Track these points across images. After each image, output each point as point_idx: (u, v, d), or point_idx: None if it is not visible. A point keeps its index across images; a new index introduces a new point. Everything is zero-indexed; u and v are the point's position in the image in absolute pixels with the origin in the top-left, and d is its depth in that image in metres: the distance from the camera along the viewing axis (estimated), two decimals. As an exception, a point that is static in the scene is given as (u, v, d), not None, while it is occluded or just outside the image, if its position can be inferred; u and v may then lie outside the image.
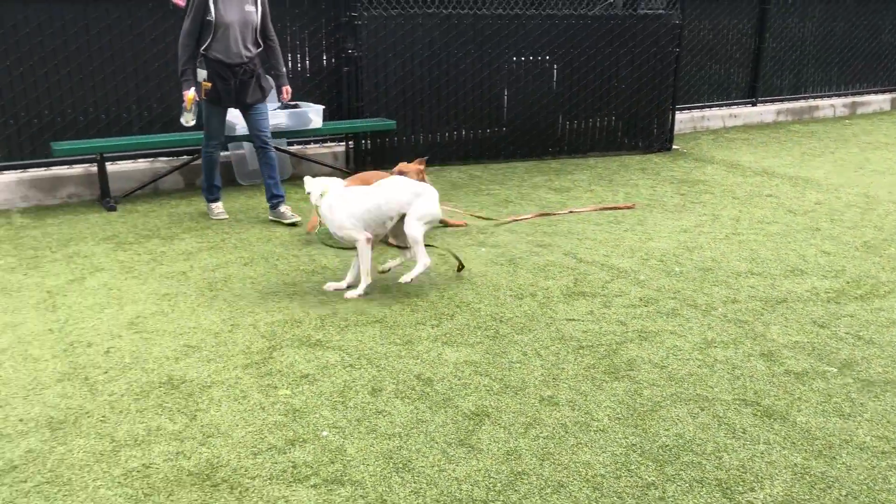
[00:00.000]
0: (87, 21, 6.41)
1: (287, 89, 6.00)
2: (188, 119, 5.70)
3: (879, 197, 6.61)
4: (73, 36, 6.38)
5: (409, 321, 4.08)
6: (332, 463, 2.85)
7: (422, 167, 5.53)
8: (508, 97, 7.92)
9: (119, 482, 2.74)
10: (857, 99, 11.32)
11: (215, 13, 5.38)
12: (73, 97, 6.46)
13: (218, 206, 5.98)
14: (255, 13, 5.58)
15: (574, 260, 5.04)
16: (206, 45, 5.46)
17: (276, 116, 6.57)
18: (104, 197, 6.29)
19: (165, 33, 6.63)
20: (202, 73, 5.55)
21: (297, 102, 6.90)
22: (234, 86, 5.59)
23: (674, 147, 8.62)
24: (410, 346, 3.80)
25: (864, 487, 2.72)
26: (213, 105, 5.65)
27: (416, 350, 3.75)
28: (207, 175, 5.94)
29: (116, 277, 4.71)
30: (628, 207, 6.01)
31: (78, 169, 6.57)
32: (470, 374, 3.52)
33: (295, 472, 2.80)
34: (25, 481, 2.75)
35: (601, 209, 6.15)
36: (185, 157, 6.87)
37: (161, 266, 4.91)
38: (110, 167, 6.46)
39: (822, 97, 11.09)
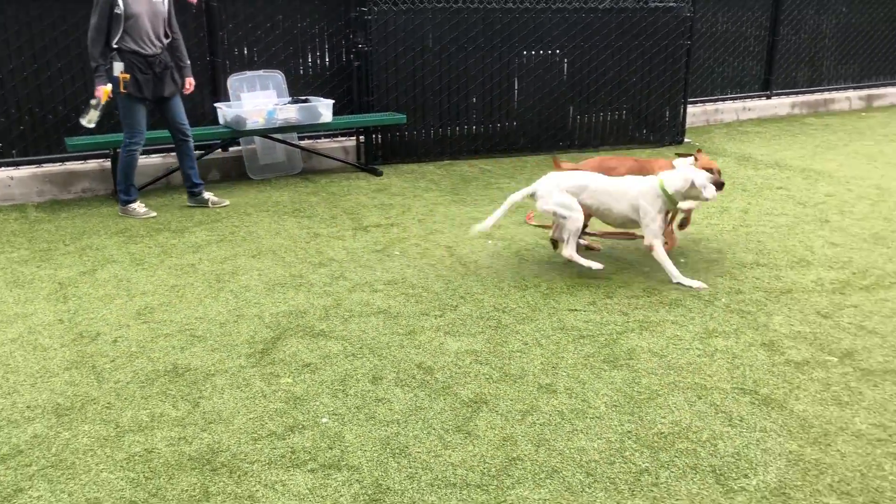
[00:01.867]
0: (101, 18, 6.50)
1: (190, 81, 5.99)
2: (92, 119, 5.62)
3: (891, 189, 6.56)
4: (86, 33, 6.48)
5: (413, 312, 4.12)
6: (331, 449, 2.90)
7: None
8: (519, 91, 7.93)
9: (122, 466, 2.80)
10: (874, 91, 11.21)
11: (123, 5, 5.43)
12: (86, 93, 6.56)
13: (141, 206, 5.94)
14: (162, 4, 5.65)
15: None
16: (117, 38, 5.48)
17: (286, 111, 6.64)
18: (117, 191, 6.38)
19: (177, 30, 6.71)
20: (118, 66, 5.54)
21: (307, 97, 6.96)
22: (153, 77, 5.64)
23: (686, 140, 8.59)
24: (413, 335, 3.84)
25: (858, 474, 2.73)
26: (133, 99, 5.65)
27: (418, 340, 3.79)
28: (127, 174, 5.84)
29: (127, 269, 4.79)
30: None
31: (92, 164, 6.67)
32: (470, 363, 3.55)
33: (293, 457, 2.85)
34: (30, 465, 2.82)
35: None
36: (197, 151, 6.95)
37: (170, 258, 4.98)
38: (123, 162, 6.54)
39: (838, 90, 10.99)
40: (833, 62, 10.89)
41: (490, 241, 5.27)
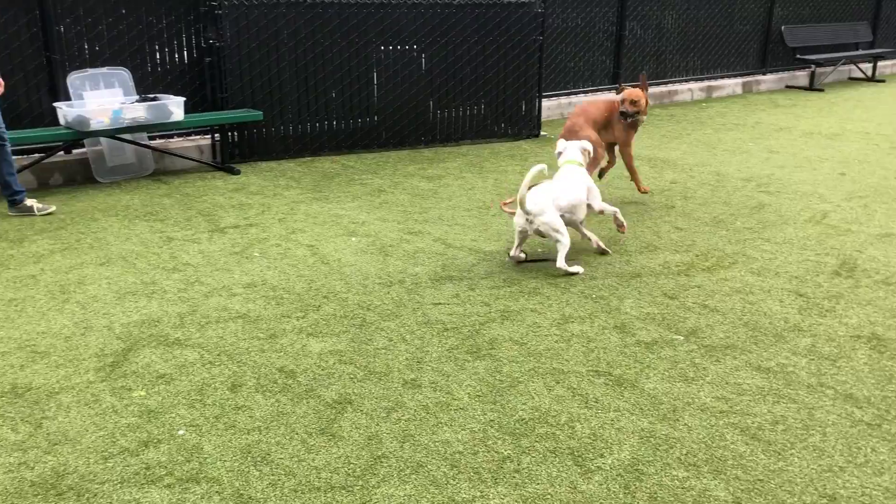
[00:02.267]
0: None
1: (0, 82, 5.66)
2: None
3: (729, 174, 7.02)
4: None
5: (274, 314, 4.03)
6: (188, 462, 2.78)
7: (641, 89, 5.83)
8: (378, 87, 7.91)
9: (-47, 499, 2.58)
10: (713, 83, 11.96)
11: None
12: None
13: (33, 200, 5.75)
14: None
15: (443, 245, 5.11)
16: None
17: (134, 110, 6.32)
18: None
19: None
20: None
21: (157, 95, 6.66)
22: None
23: (542, 133, 8.85)
24: (274, 339, 3.75)
25: (703, 446, 2.90)
26: None
27: (279, 343, 3.71)
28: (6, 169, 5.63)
29: (-43, 285, 4.42)
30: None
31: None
32: (334, 364, 3.51)
33: (148, 473, 2.72)
34: None
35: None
36: (36, 154, 6.50)
37: (8, 270, 4.63)
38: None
39: (681, 82, 11.64)
40: (676, 56, 11.53)
41: (354, 238, 5.23)
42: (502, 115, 8.55)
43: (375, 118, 7.98)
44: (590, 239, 4.95)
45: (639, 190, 6.09)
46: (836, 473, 2.74)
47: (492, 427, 3.01)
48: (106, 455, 2.82)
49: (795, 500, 2.60)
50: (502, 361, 3.53)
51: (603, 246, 4.94)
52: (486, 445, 2.89)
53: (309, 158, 7.63)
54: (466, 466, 2.77)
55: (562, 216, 4.60)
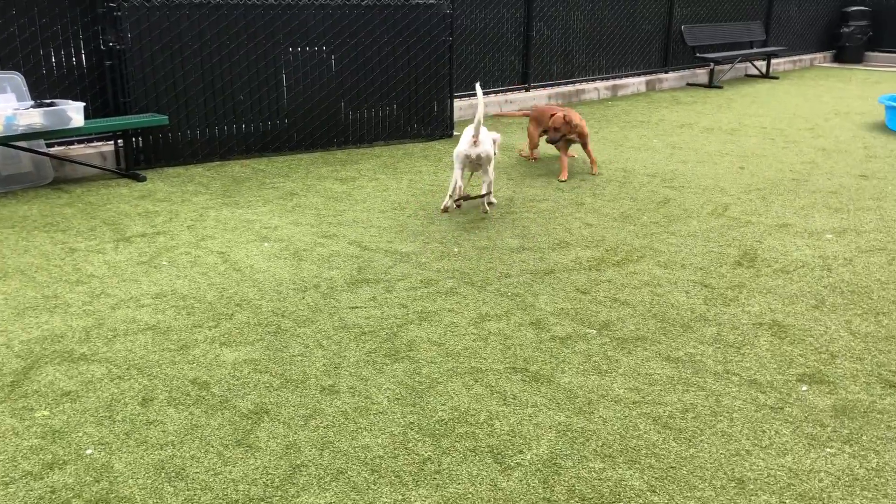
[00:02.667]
0: None
1: None
2: None
3: (635, 171, 7.22)
4: None
5: (185, 325, 3.92)
6: (97, 482, 2.68)
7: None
8: (288, 89, 7.80)
9: None
10: (618, 82, 12.29)
11: None
12: None
13: None
14: None
15: (359, 248, 5.07)
16: None
17: (29, 116, 6.04)
18: None
19: None
20: None
21: (53, 100, 6.38)
22: None
23: (455, 133, 8.90)
24: (185, 350, 3.65)
25: (618, 437, 2.98)
26: None
27: (191, 354, 3.61)
28: None
29: None
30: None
31: None
32: (249, 373, 3.44)
33: (54, 497, 2.60)
34: None
35: None
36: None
37: None
38: None
39: (588, 81, 11.92)
40: (583, 56, 11.79)
41: (266, 244, 5.14)
42: (415, 116, 8.56)
43: (286, 121, 7.87)
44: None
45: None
46: (743, 457, 2.86)
47: (412, 429, 3.01)
48: (7, 480, 2.68)
49: (706, 484, 2.70)
50: (421, 363, 3.53)
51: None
52: (406, 448, 2.89)
53: (218, 163, 7.46)
54: (387, 470, 2.76)
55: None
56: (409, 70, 8.37)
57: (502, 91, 10.68)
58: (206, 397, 3.23)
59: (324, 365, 3.52)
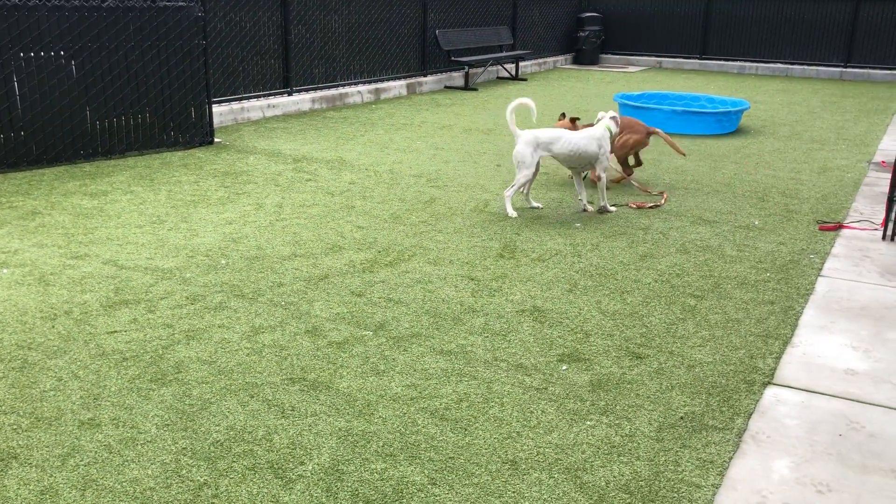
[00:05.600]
0: None
1: None
2: None
3: (402, 172, 7.39)
4: None
5: None
6: None
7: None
8: (22, 98, 7.06)
9: None
10: (380, 85, 12.50)
11: None
12: None
13: None
14: None
15: (115, 267, 4.72)
16: None
17: None
18: None
19: None
20: None
21: None
22: None
23: (216, 140, 8.58)
24: None
25: (398, 435, 3.02)
26: None
27: (-84, 402, 3.15)
28: None
29: None
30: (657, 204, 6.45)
31: None
32: (-9, 416, 3.07)
33: None
34: None
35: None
36: None
37: None
38: None
39: (350, 84, 12.00)
40: (344, 59, 11.85)
41: (5, 270, 4.62)
42: (171, 123, 8.12)
43: (22, 133, 7.12)
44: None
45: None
46: (514, 439, 3.02)
47: (185, 455, 2.85)
48: None
49: (482, 470, 2.82)
50: (191, 385, 3.36)
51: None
52: (179, 476, 2.73)
53: (-60, 183, 6.60)
54: (160, 501, 2.59)
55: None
56: (160, 75, 7.92)
57: (265, 96, 10.46)
58: (-62, 450, 2.84)
59: (81, 398, 3.23)
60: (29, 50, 7.01)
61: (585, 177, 6.84)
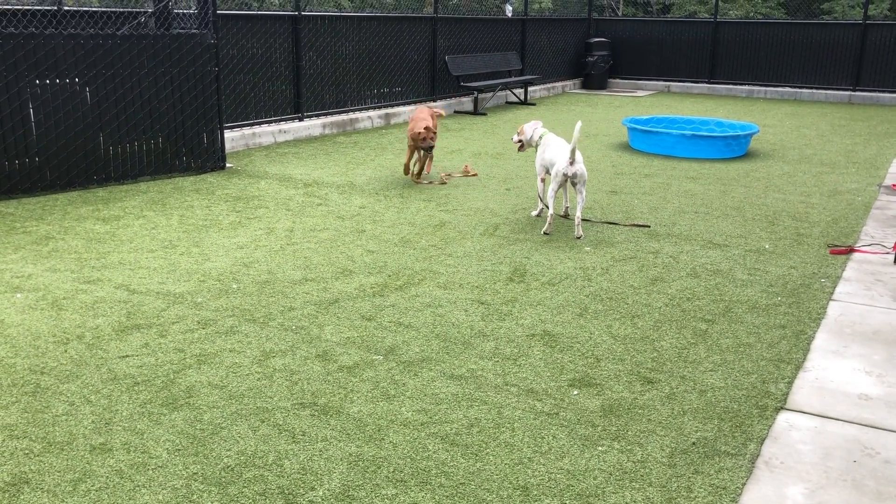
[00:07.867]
0: None
1: None
2: None
3: (412, 196, 7.42)
4: None
5: (-80, 394, 3.44)
6: None
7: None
8: (37, 124, 7.15)
9: None
10: (391, 110, 12.59)
11: None
12: None
13: None
14: None
15: (127, 292, 4.75)
16: None
17: None
18: None
19: None
20: None
21: None
22: None
23: (228, 165, 8.64)
24: (-78, 423, 3.20)
25: (408, 460, 3.02)
26: None
27: (-70, 427, 3.17)
28: None
29: None
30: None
31: None
32: (3, 441, 3.08)
33: None
34: None
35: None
36: None
37: None
38: None
39: (361, 110, 12.09)
40: (355, 85, 11.95)
41: (19, 295, 4.66)
42: (183, 149, 8.20)
43: (36, 159, 7.21)
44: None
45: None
46: (525, 465, 3.01)
47: (195, 480, 2.85)
48: None
49: (493, 496, 2.81)
50: (202, 409, 3.36)
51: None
52: (190, 501, 2.73)
53: (-45, 208, 6.67)
54: (170, 528, 2.59)
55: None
56: (173, 101, 8.01)
57: (276, 121, 10.55)
58: (-49, 475, 2.85)
59: (93, 422, 3.24)
60: (45, 77, 7.11)
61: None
